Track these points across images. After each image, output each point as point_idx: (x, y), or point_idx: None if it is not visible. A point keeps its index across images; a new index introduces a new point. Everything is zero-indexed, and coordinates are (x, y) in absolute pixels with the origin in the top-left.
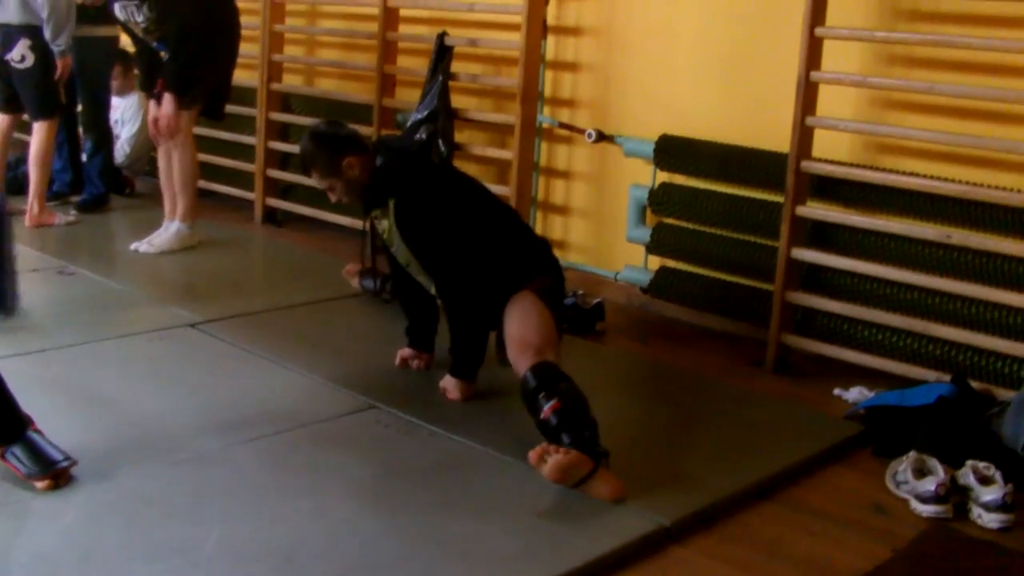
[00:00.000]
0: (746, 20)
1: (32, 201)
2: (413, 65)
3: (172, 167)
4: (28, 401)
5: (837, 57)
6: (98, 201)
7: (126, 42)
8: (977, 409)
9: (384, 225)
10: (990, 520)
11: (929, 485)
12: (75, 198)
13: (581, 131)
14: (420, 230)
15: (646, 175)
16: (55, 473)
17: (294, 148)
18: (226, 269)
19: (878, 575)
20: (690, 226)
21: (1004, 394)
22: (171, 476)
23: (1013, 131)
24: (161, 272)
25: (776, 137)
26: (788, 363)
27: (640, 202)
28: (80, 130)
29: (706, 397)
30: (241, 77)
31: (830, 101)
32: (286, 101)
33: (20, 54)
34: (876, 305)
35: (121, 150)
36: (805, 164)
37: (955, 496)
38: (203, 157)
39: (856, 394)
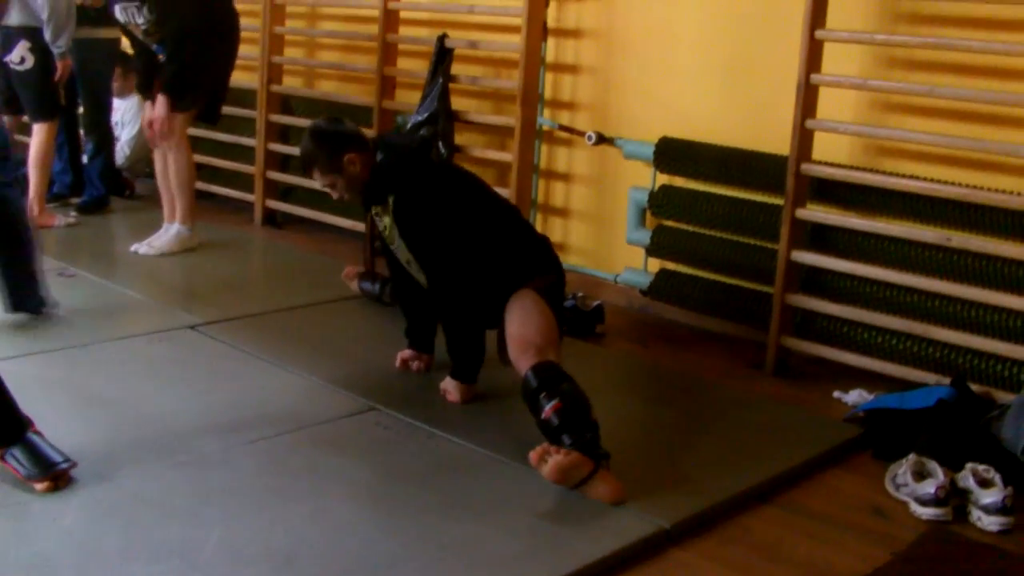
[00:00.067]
0: (746, 22)
1: (32, 203)
2: (413, 67)
3: (168, 170)
4: (28, 402)
5: (837, 60)
6: (98, 203)
7: (126, 44)
8: (977, 412)
9: (384, 222)
10: (990, 523)
11: (929, 488)
12: (75, 200)
13: (581, 133)
14: (419, 227)
15: (646, 177)
16: (55, 475)
17: (294, 150)
18: (226, 271)
19: None
20: (690, 228)
21: (1004, 397)
22: (171, 478)
23: (1013, 134)
24: (161, 274)
25: (776, 139)
26: (788, 366)
27: (640, 204)
28: (81, 132)
29: (706, 400)
30: (241, 79)
31: (830, 104)
32: (286, 103)
33: (20, 56)
34: (876, 308)
35: (121, 152)
36: (805, 167)
37: (955, 499)
38: (203, 159)
39: (856, 397)
